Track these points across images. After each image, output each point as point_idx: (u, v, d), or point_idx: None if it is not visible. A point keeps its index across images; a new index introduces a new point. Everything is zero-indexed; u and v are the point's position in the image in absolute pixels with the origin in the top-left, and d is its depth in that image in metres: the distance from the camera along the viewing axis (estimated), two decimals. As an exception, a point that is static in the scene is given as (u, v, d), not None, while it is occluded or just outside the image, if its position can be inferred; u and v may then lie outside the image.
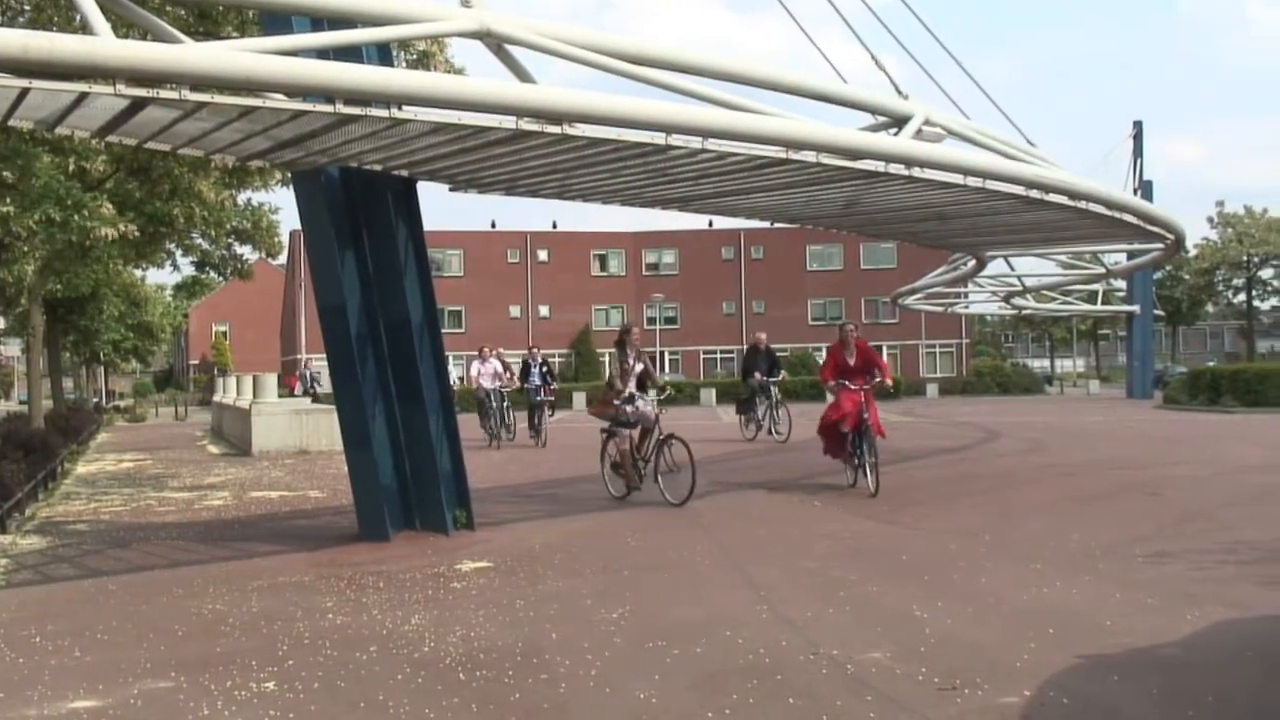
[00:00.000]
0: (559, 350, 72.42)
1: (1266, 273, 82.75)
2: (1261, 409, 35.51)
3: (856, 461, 14.82)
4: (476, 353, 27.34)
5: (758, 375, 24.71)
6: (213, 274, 28.64)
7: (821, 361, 18.06)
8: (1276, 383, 37.34)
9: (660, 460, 14.35)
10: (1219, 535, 11.03)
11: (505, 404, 26.18)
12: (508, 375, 26.88)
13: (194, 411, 57.66)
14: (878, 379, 14.95)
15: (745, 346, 28.13)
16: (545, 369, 26.65)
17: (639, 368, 14.88)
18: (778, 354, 26.48)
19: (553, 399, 27.58)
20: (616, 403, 14.60)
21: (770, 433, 24.29)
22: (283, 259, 59.33)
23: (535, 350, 27.84)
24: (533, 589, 9.13)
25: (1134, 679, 6.19)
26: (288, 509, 15.03)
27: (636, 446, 14.69)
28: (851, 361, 15.00)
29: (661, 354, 73.73)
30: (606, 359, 76.82)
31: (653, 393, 14.88)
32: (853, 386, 14.76)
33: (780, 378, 25.26)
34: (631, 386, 14.66)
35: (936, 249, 31.61)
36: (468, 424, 24.63)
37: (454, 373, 29.86)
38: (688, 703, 5.96)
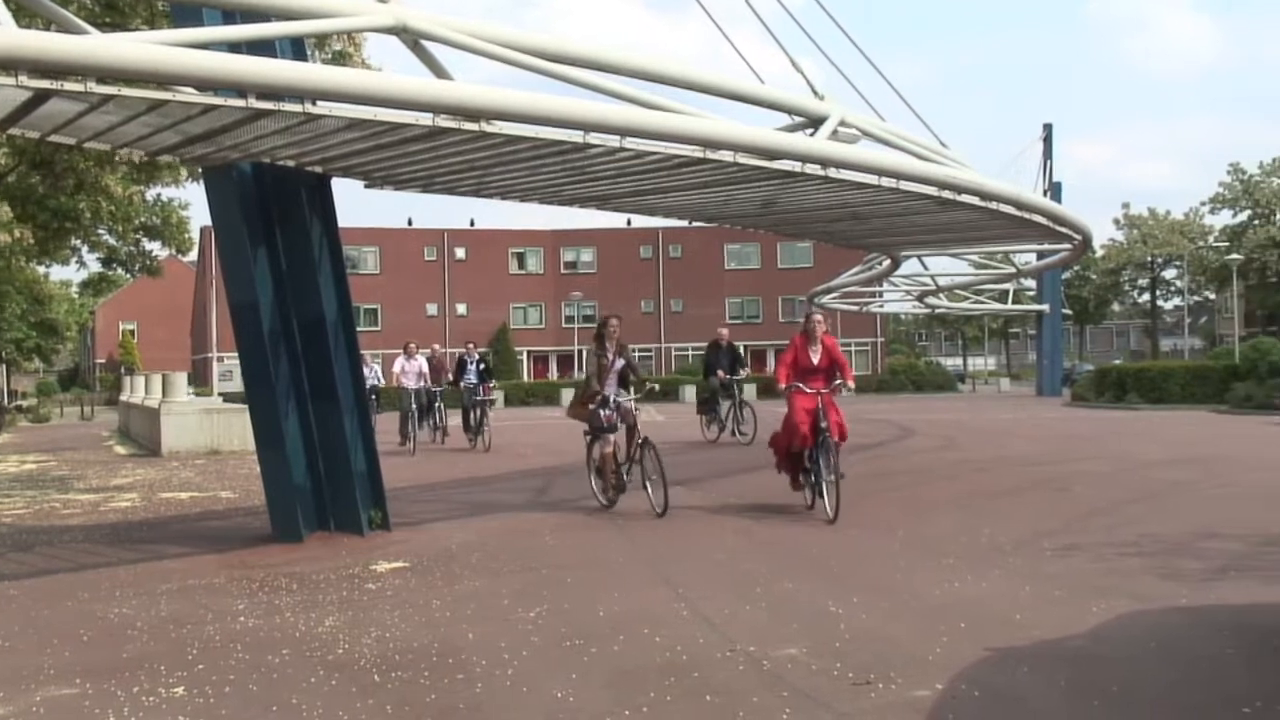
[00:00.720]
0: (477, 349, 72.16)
1: (1170, 273, 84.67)
2: (1165, 406, 36.35)
3: (814, 479, 12.63)
4: (403, 351, 25.09)
5: (720, 373, 23.22)
6: (120, 271, 28.19)
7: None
8: (1180, 380, 38.26)
9: (644, 466, 13.07)
10: (1124, 529, 11.24)
11: (437, 404, 24.69)
12: (444, 374, 25.13)
13: (101, 411, 56.66)
14: (838, 381, 12.68)
15: (706, 343, 26.85)
16: (483, 366, 24.58)
17: (619, 364, 13.41)
18: (740, 350, 25.07)
19: (493, 399, 25.33)
20: (592, 406, 13.20)
21: (734, 434, 22.67)
22: (193, 256, 58.54)
23: (472, 346, 25.35)
24: (449, 589, 9.07)
25: (1043, 671, 6.28)
26: (198, 510, 14.81)
27: (619, 450, 13.31)
28: (815, 360, 12.71)
29: (580, 352, 73.74)
30: (515, 355, 77.72)
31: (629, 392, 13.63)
32: (808, 390, 12.53)
33: (744, 375, 23.98)
34: (612, 386, 13.27)
35: (852, 249, 31.92)
36: (392, 424, 24.49)
37: (376, 370, 29.13)
38: (605, 701, 5.95)
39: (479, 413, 23.73)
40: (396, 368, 24.67)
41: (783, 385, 12.71)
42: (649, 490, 12.95)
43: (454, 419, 25.30)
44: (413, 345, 25.13)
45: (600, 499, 13.46)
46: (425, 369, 24.47)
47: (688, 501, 14.08)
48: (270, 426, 11.89)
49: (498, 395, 49.48)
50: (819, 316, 13.19)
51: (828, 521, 11.86)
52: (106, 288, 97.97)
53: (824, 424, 12.34)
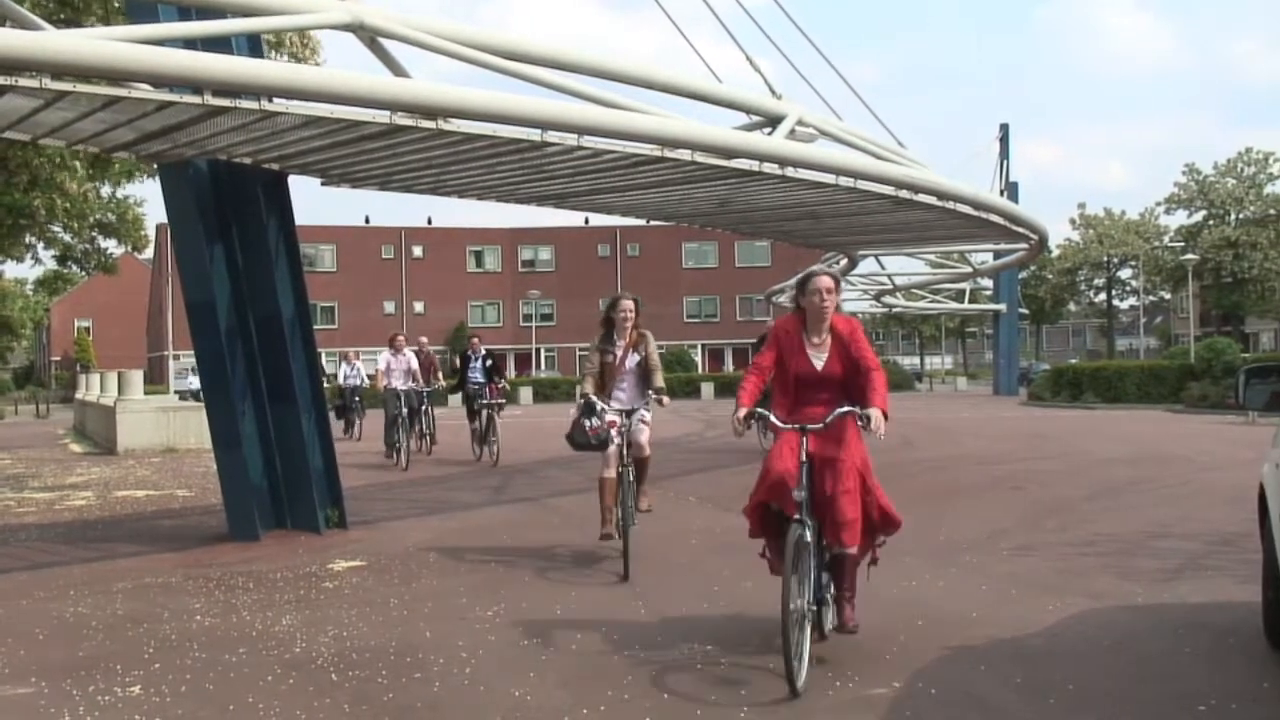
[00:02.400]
0: (435, 347, 72.02)
1: (1125, 273, 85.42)
2: (1121, 405, 36.68)
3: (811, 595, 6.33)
4: (389, 346, 20.88)
5: None
6: (75, 268, 27.94)
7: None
8: (1135, 380, 38.61)
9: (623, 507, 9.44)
10: (1079, 528, 11.34)
11: (424, 407, 21.09)
12: (434, 373, 21.65)
13: (56, 409, 56.06)
14: (848, 409, 6.48)
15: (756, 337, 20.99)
16: (490, 363, 20.46)
17: (632, 361, 9.79)
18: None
19: (503, 401, 20.67)
20: (572, 413, 9.61)
21: None
22: (149, 253, 58.07)
23: (477, 341, 21.30)
24: (406, 587, 9.05)
25: (999, 669, 6.33)
26: (154, 509, 14.68)
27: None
28: (819, 363, 6.73)
29: (538, 351, 73.74)
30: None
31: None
32: (786, 424, 6.58)
33: None
34: (628, 392, 9.71)
35: (810, 248, 32.04)
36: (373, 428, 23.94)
37: (359, 368, 27.51)
38: (562, 700, 5.95)
39: (485, 418, 19.97)
40: (381, 364, 20.59)
41: (739, 413, 6.54)
42: (628, 536, 9.33)
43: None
44: (401, 339, 21.07)
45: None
46: (415, 366, 20.46)
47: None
48: (227, 425, 11.82)
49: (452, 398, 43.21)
50: (828, 282, 6.71)
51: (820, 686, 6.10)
52: (61, 285, 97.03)
53: (798, 481, 6.30)
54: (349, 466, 13.08)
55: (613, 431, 9.42)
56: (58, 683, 6.44)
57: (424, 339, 23.21)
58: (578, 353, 76.44)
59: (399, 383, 20.05)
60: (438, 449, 21.82)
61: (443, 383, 21.72)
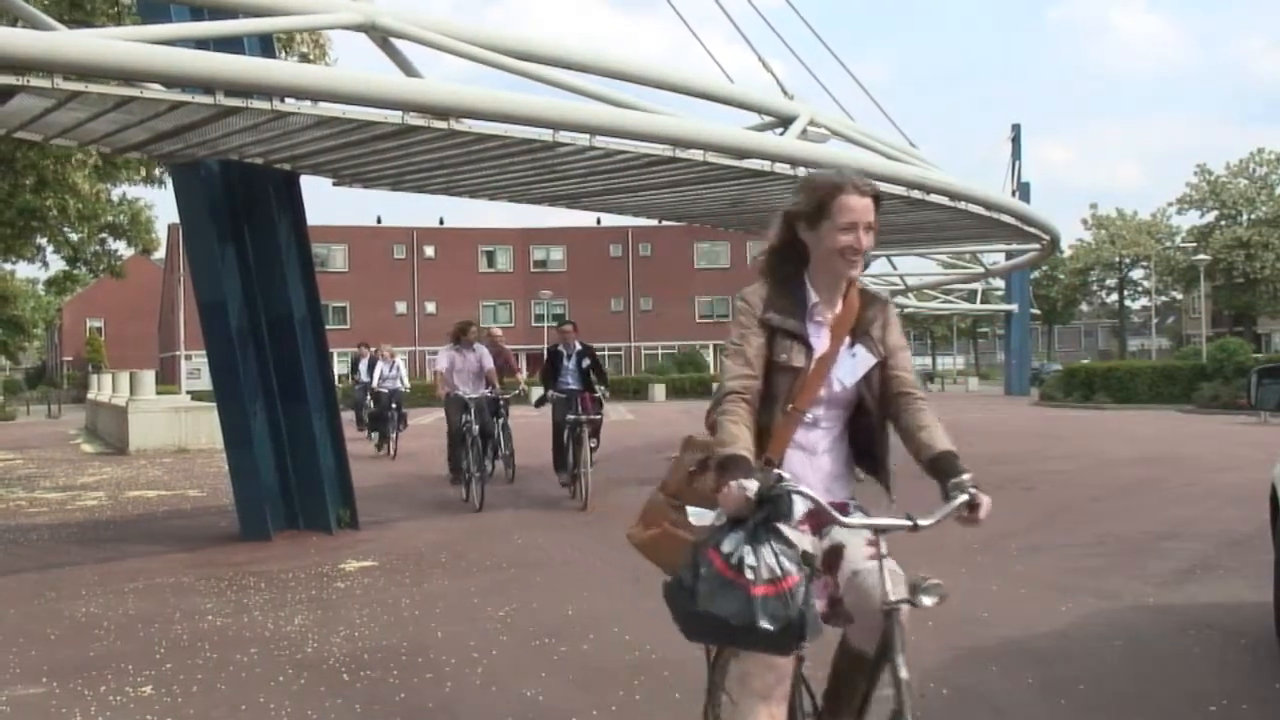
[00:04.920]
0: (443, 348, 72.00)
1: (1137, 273, 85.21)
2: (1132, 405, 36.59)
3: None
4: (453, 340, 15.42)
5: None
6: (85, 270, 27.91)
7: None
8: (1147, 380, 38.53)
9: None
10: (1089, 528, 11.31)
11: (502, 422, 15.89)
12: (513, 372, 17.20)
13: (68, 410, 56.19)
14: None
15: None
16: (588, 363, 14.85)
17: (855, 365, 3.90)
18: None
19: (599, 416, 14.80)
20: (692, 516, 4.01)
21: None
22: (160, 253, 58.21)
23: (570, 329, 15.30)
24: (418, 588, 9.05)
25: (1010, 670, 6.31)
26: (165, 509, 14.71)
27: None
28: None
29: (546, 353, 73.62)
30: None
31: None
32: None
33: None
34: (826, 460, 4.04)
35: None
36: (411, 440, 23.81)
37: (399, 367, 23.54)
38: (575, 700, 5.95)
39: (575, 438, 14.10)
40: (442, 364, 15.47)
41: None
42: None
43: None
44: (473, 330, 15.60)
45: None
46: (490, 366, 15.35)
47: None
48: (238, 425, 11.84)
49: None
50: None
51: None
52: (71, 286, 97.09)
53: None
54: (396, 500, 12.84)
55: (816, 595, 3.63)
56: (69, 683, 6.45)
57: (497, 330, 18.15)
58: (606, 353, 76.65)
59: (468, 389, 14.89)
60: (519, 478, 16.63)
61: (523, 385, 17.27)
